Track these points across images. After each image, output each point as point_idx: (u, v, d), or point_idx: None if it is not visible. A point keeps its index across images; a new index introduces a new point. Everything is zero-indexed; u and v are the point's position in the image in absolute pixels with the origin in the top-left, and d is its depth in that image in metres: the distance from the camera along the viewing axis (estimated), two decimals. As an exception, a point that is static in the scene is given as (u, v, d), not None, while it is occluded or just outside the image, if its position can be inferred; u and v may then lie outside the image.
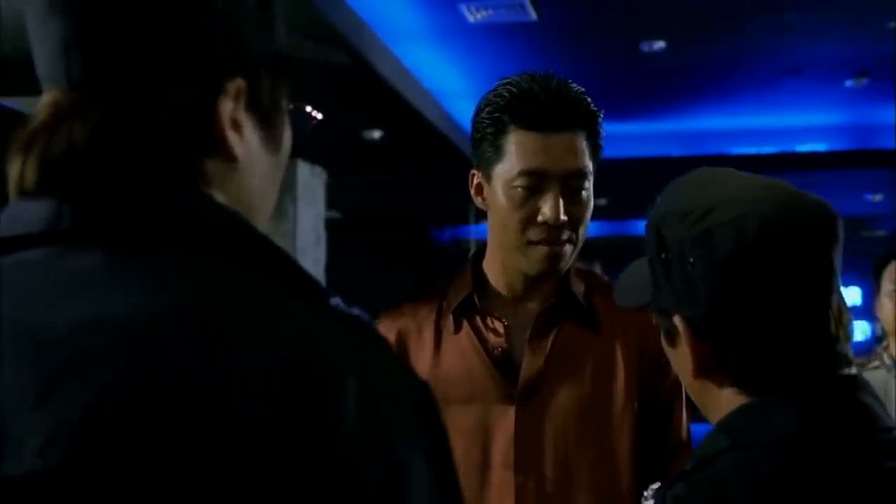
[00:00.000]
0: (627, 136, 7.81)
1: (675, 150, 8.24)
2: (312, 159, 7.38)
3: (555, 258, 1.74)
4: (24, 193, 0.77)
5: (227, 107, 0.79)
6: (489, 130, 1.74)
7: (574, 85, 1.77)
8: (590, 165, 1.75)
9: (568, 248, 1.74)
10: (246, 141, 0.81)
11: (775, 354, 1.04)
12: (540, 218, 1.71)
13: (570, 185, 1.72)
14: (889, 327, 2.95)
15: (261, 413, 0.70)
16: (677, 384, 1.79)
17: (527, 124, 1.71)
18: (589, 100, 1.76)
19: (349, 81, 5.79)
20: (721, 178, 1.12)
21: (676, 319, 1.08)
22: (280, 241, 7.14)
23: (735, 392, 1.07)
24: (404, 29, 5.78)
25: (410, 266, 10.93)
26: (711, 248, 1.03)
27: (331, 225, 7.90)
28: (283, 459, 0.70)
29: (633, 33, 5.93)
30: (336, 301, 0.81)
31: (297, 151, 8.01)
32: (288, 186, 7.25)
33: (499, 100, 1.74)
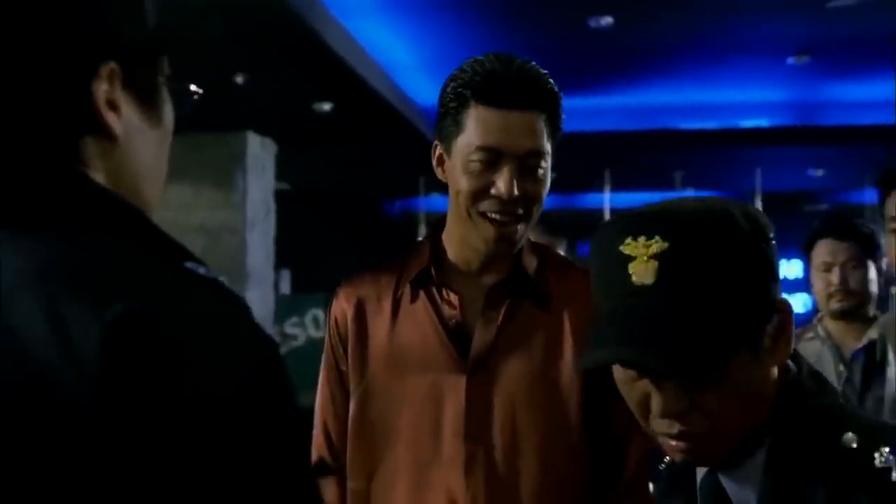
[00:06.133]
0: (575, 110, 7.80)
1: (623, 125, 8.33)
2: (262, 131, 7.36)
3: (504, 237, 1.78)
4: None
5: (102, 89, 0.85)
6: (452, 105, 1.78)
7: (537, 67, 1.79)
8: (547, 146, 1.78)
9: (520, 226, 1.78)
10: (125, 119, 0.87)
11: None
12: (493, 191, 1.74)
13: (526, 164, 1.75)
14: (820, 303, 3.08)
15: (96, 369, 0.73)
16: None
17: (487, 101, 1.75)
18: (551, 82, 1.79)
19: (299, 54, 5.80)
20: None
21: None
22: (230, 213, 7.16)
23: None
24: (355, 3, 5.79)
25: (361, 237, 10.95)
26: None
27: (281, 197, 7.88)
28: (116, 414, 0.73)
29: (581, 9, 5.96)
30: (196, 265, 0.86)
31: (247, 123, 7.91)
32: (237, 158, 7.23)
33: (463, 76, 1.78)
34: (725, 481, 1.14)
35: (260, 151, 7.49)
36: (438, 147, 1.84)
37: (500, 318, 1.83)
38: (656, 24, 6.30)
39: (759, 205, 9.73)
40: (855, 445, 1.08)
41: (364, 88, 6.56)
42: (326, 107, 6.89)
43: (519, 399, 1.80)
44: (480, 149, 1.74)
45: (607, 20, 6.11)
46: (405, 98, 7.38)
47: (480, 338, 1.82)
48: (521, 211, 1.76)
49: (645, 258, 1.06)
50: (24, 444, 0.74)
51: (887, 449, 1.07)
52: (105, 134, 0.86)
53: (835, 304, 2.98)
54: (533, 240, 2.54)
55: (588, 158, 8.79)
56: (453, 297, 1.85)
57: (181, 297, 0.81)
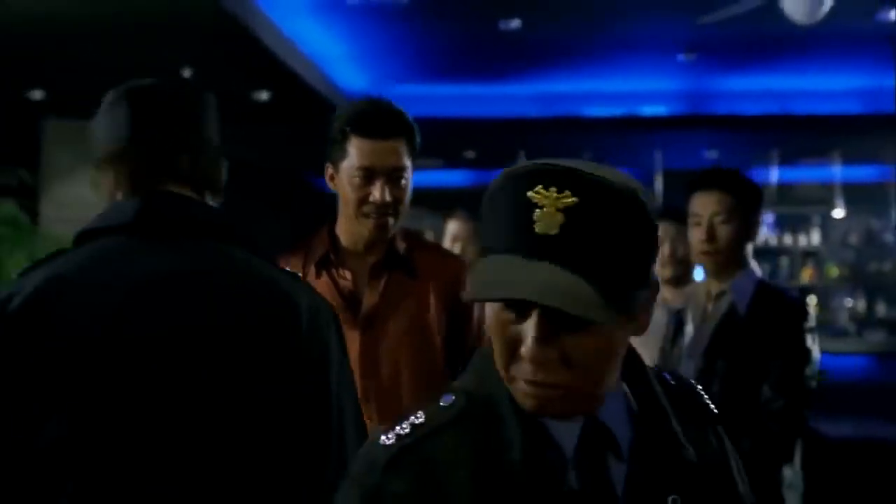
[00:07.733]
0: (491, 98, 8.06)
1: (535, 112, 8.51)
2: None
3: (380, 228, 2.27)
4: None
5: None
6: (338, 136, 2.28)
7: (398, 106, 2.28)
8: (408, 163, 2.27)
9: (391, 220, 2.27)
10: None
11: None
12: (371, 199, 2.23)
13: (393, 177, 2.25)
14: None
15: (259, 319, 1.41)
16: (470, 310, 2.36)
17: (362, 133, 2.25)
18: (408, 116, 2.28)
19: (239, 52, 6.29)
20: None
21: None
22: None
23: None
24: (287, 4, 6.19)
25: (291, 208, 11.27)
26: None
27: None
28: (271, 346, 1.39)
29: (492, 13, 6.33)
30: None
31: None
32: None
33: (345, 115, 2.28)
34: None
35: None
36: (330, 167, 2.34)
37: (382, 287, 2.31)
38: (559, 25, 6.63)
39: (660, 181, 10.04)
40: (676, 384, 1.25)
41: (296, 80, 6.99)
42: (264, 96, 7.35)
43: (399, 345, 2.29)
44: (359, 168, 2.24)
45: (516, 23, 6.45)
46: (333, 86, 7.79)
47: (368, 302, 2.31)
48: (391, 211, 2.26)
49: (553, 209, 1.03)
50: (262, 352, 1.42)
51: (699, 387, 1.28)
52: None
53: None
54: (459, 226, 3.22)
55: (504, 141, 9.01)
56: (347, 273, 2.34)
57: (289, 281, 1.50)
